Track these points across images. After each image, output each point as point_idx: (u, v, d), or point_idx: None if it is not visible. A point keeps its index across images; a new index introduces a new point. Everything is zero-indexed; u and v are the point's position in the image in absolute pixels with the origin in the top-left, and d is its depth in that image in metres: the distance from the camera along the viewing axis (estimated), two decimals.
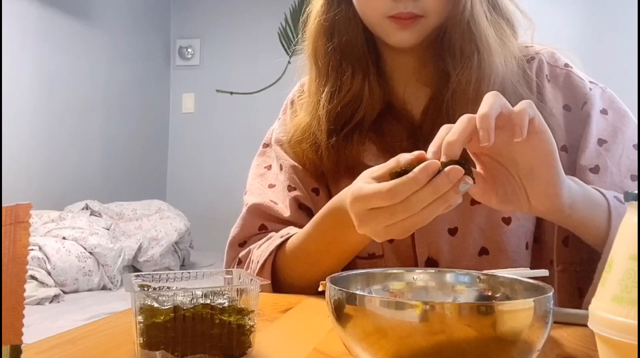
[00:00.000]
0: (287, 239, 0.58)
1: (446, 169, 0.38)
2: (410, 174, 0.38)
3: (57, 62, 2.58)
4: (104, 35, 2.87)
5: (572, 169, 0.58)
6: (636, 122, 0.60)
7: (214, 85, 3.28)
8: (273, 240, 0.59)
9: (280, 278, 0.58)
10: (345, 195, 0.51)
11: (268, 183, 0.65)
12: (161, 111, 3.33)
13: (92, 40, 2.79)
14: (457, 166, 0.38)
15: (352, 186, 0.45)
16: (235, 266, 0.62)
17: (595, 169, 0.56)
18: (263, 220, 0.63)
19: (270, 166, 0.67)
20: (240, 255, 0.62)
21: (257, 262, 0.58)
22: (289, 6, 2.76)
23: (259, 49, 3.11)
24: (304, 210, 0.62)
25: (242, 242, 0.63)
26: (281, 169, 0.65)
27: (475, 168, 0.43)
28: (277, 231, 0.61)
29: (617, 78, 2.05)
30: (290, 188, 0.63)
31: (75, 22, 2.68)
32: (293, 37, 2.74)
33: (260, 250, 0.59)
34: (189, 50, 3.33)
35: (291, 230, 0.60)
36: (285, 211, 0.62)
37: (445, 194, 0.39)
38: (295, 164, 0.64)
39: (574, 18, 2.32)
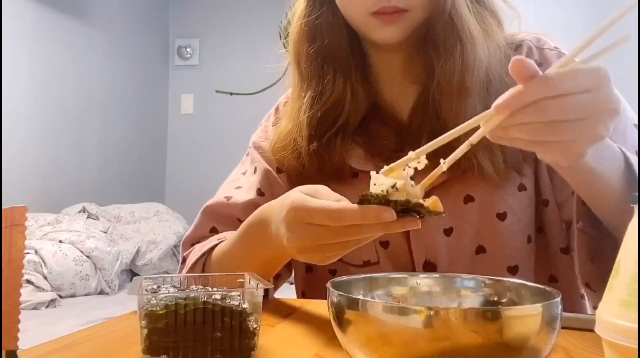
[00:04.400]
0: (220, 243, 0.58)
1: (405, 219, 0.37)
2: (360, 210, 0.37)
3: (54, 62, 2.57)
4: (101, 35, 2.86)
5: None
6: (627, 104, 0.59)
7: (213, 85, 3.27)
8: (209, 241, 0.59)
9: None
10: (269, 208, 0.50)
11: (236, 186, 0.65)
12: (160, 112, 3.32)
13: (89, 40, 2.78)
14: (416, 219, 0.38)
15: (286, 197, 0.44)
16: (180, 264, 0.63)
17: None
18: (215, 223, 0.63)
19: (246, 172, 0.67)
20: (185, 253, 0.62)
21: (189, 263, 0.58)
22: (290, 6, 2.75)
23: (259, 49, 3.11)
24: None
25: (194, 242, 0.63)
26: (255, 171, 0.65)
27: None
28: None
29: (617, 79, 2.05)
30: (259, 192, 0.63)
31: (72, 22, 2.68)
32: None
33: (197, 251, 0.59)
34: (188, 50, 3.32)
35: (230, 234, 0.59)
36: (236, 207, 0.61)
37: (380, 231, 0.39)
38: (269, 168, 0.64)
39: (575, 19, 2.33)
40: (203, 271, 0.58)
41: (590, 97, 0.36)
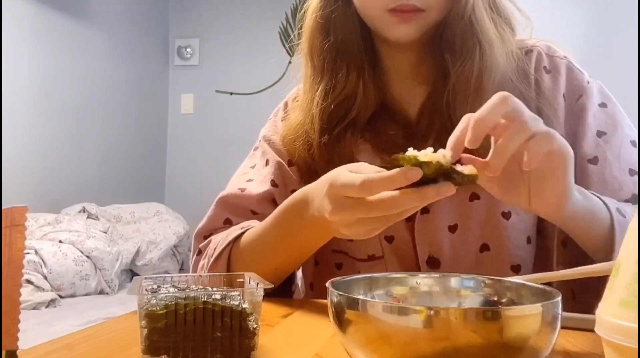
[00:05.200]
0: (245, 231, 0.58)
1: (439, 185, 0.38)
2: (387, 174, 0.38)
3: (53, 62, 2.57)
4: (101, 34, 2.86)
5: None
6: (629, 122, 0.61)
7: (213, 85, 3.27)
8: (232, 231, 0.59)
9: (232, 270, 0.58)
10: (309, 188, 0.51)
11: (247, 178, 0.66)
12: (160, 112, 3.32)
13: (89, 39, 2.78)
14: (450, 185, 0.38)
15: (326, 174, 0.45)
16: (195, 256, 0.62)
17: (594, 161, 0.57)
18: (229, 214, 0.63)
19: (255, 165, 0.67)
20: (200, 246, 0.62)
21: (213, 254, 0.58)
22: (290, 5, 2.75)
23: (259, 49, 3.11)
24: (273, 205, 0.62)
25: (207, 234, 0.63)
26: (267, 164, 0.65)
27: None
28: None
29: (620, 78, 2.05)
30: (273, 183, 0.63)
31: (72, 22, 2.68)
32: (294, 37, 2.75)
33: (218, 241, 0.59)
34: (188, 50, 3.32)
35: (252, 223, 0.60)
36: (250, 199, 0.62)
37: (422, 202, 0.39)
38: (281, 161, 0.64)
39: (578, 19, 2.33)
40: (229, 261, 0.57)
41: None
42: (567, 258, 0.52)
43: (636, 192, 0.55)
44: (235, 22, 3.22)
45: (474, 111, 0.55)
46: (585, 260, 0.50)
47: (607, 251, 0.48)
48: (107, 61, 2.89)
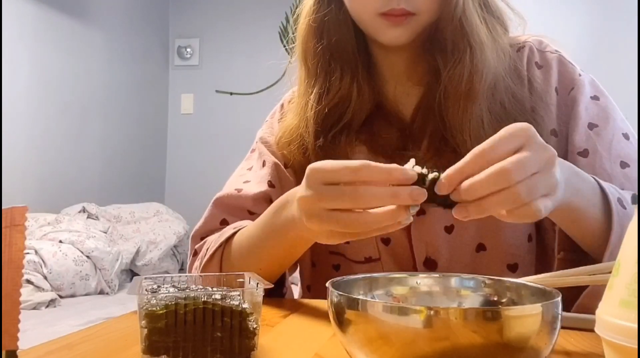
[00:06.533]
0: (238, 231, 0.58)
1: (411, 188, 0.37)
2: (387, 166, 0.38)
3: (53, 62, 2.57)
4: (101, 34, 2.86)
5: (562, 153, 0.58)
6: (622, 115, 0.60)
7: (213, 85, 3.27)
8: (225, 231, 0.59)
9: (224, 271, 0.57)
10: (293, 189, 0.50)
11: (244, 180, 0.66)
12: (160, 112, 3.32)
13: (89, 40, 2.78)
14: (422, 190, 0.37)
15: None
16: (191, 258, 0.62)
17: (584, 153, 0.57)
18: (225, 214, 0.62)
19: (252, 167, 0.67)
20: (196, 247, 0.62)
21: (206, 254, 0.58)
22: (290, 5, 2.76)
23: (259, 49, 3.11)
24: (269, 205, 0.62)
25: (204, 236, 0.63)
26: (264, 165, 0.65)
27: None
28: None
29: (622, 78, 2.05)
30: (270, 184, 0.63)
31: (72, 22, 2.68)
32: (293, 38, 2.75)
33: (212, 242, 0.59)
34: (188, 50, 3.32)
35: (245, 223, 0.60)
36: (246, 199, 0.62)
37: (396, 208, 0.39)
38: (278, 162, 0.64)
39: (581, 18, 2.33)
40: (221, 261, 0.57)
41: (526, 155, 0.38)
42: (568, 244, 0.51)
43: (626, 185, 0.54)
44: (235, 22, 3.22)
45: (465, 113, 0.55)
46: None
47: (602, 244, 0.47)
48: (107, 61, 2.89)
